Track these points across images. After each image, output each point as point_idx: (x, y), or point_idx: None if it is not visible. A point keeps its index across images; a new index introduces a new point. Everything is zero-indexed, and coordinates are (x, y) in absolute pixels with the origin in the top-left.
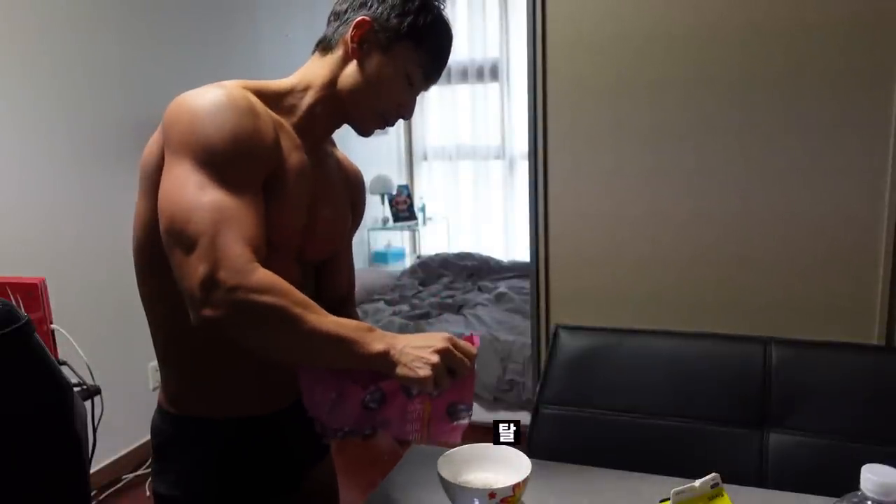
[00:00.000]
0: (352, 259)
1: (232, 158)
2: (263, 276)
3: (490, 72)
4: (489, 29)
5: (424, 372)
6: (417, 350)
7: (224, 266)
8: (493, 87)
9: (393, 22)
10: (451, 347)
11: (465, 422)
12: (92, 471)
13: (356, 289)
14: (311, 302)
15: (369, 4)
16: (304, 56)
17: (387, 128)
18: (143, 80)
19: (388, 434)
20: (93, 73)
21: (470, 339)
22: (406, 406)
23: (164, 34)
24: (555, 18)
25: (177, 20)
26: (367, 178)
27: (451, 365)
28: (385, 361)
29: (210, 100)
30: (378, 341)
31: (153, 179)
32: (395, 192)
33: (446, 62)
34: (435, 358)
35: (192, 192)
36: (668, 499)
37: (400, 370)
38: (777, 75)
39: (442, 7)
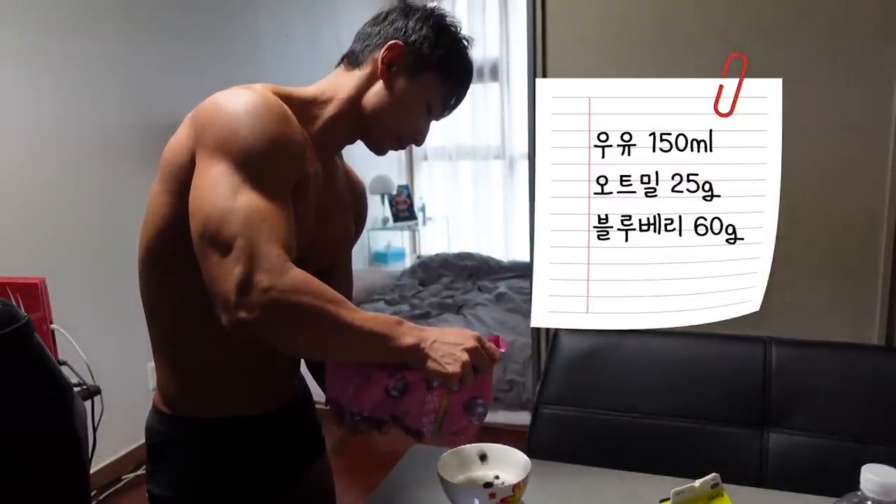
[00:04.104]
0: (351, 268)
1: (268, 162)
2: (297, 275)
3: (490, 72)
4: (489, 29)
5: (453, 368)
6: (448, 346)
7: (260, 267)
8: (493, 87)
9: (425, 51)
10: (479, 347)
11: (477, 422)
12: (92, 471)
13: (356, 289)
14: (343, 298)
15: (404, 30)
16: (305, 56)
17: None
18: (144, 80)
19: (403, 425)
20: (93, 73)
21: (496, 340)
22: (425, 397)
23: (164, 34)
24: (555, 18)
25: (177, 20)
26: (368, 179)
27: (477, 364)
28: (415, 355)
29: (247, 102)
30: (408, 335)
31: (179, 178)
32: (395, 192)
33: (462, 99)
34: (465, 356)
35: (226, 194)
36: (668, 499)
37: (430, 364)
38: (777, 75)
39: (469, 48)
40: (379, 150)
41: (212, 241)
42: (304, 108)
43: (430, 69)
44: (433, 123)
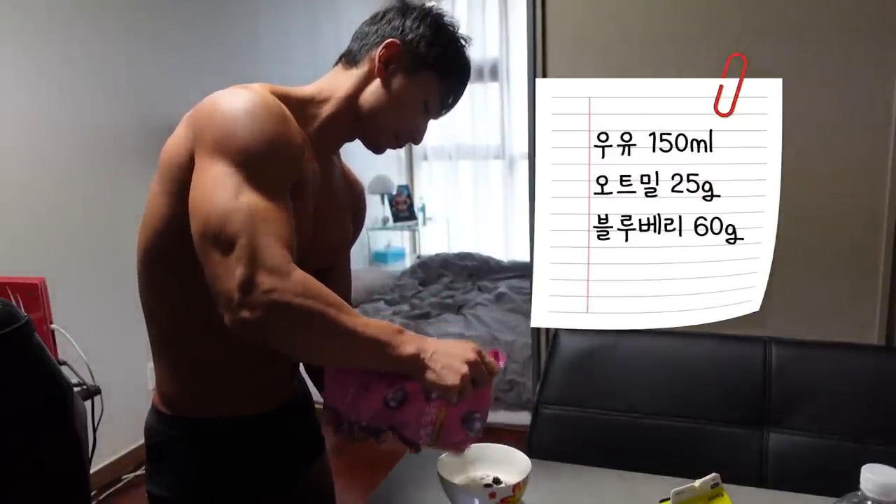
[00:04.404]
0: (349, 268)
1: (268, 162)
2: (300, 277)
3: (490, 72)
4: (489, 29)
5: (452, 380)
6: (448, 358)
7: (263, 267)
8: (493, 87)
9: (422, 49)
10: (479, 360)
11: (475, 435)
12: (92, 471)
13: (356, 289)
14: (344, 302)
15: (402, 29)
16: (305, 55)
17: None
18: (144, 79)
19: (401, 435)
20: (94, 73)
21: (496, 354)
22: (423, 408)
23: (164, 33)
24: (555, 18)
25: (176, 19)
26: (367, 179)
27: (476, 377)
28: (415, 365)
29: (245, 102)
30: (409, 344)
31: (178, 178)
32: (395, 192)
33: (460, 98)
34: (465, 369)
35: (227, 193)
36: (668, 499)
37: (429, 375)
38: (777, 75)
39: (466, 46)
40: (377, 148)
41: (214, 240)
42: (301, 107)
43: (427, 67)
44: (432, 123)
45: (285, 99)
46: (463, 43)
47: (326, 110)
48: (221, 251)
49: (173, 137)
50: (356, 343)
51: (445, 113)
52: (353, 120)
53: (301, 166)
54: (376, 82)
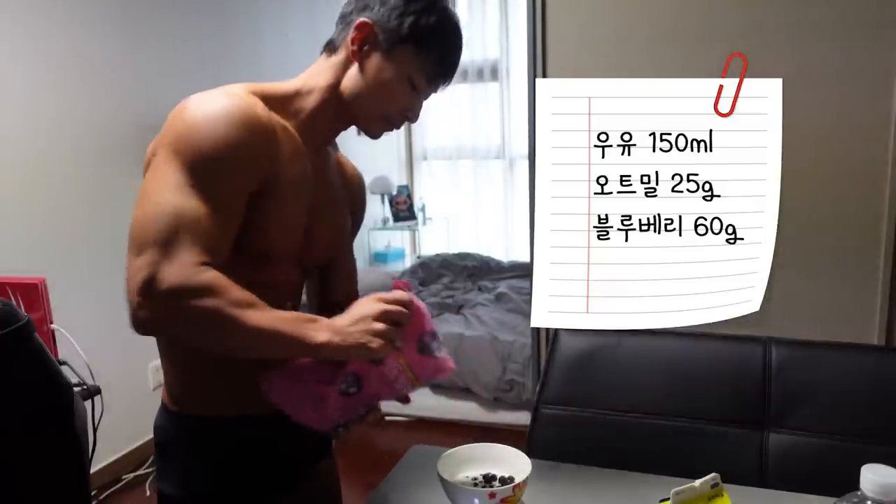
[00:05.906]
0: (354, 263)
1: (216, 169)
2: (205, 278)
3: (490, 72)
4: (489, 29)
5: (377, 343)
6: (357, 325)
7: (166, 270)
8: (492, 87)
9: (393, 24)
10: (385, 307)
11: (440, 352)
12: (92, 471)
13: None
14: (253, 298)
15: (371, 6)
16: (304, 56)
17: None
18: (142, 79)
19: (382, 400)
20: (92, 73)
21: (398, 286)
22: (381, 372)
23: (163, 34)
24: (555, 18)
25: (176, 20)
26: (367, 179)
27: (394, 320)
28: (331, 350)
29: (211, 108)
30: (320, 332)
31: None
32: (395, 193)
33: (454, 66)
34: (378, 325)
35: (162, 195)
36: (668, 499)
37: (353, 352)
38: (777, 75)
39: (449, 8)
40: (370, 134)
41: (133, 240)
42: (286, 102)
43: (402, 41)
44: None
45: (266, 96)
46: (443, 6)
47: (310, 102)
48: (136, 252)
49: (154, 140)
50: (265, 338)
51: (443, 87)
52: (338, 108)
53: (266, 171)
54: (354, 67)
